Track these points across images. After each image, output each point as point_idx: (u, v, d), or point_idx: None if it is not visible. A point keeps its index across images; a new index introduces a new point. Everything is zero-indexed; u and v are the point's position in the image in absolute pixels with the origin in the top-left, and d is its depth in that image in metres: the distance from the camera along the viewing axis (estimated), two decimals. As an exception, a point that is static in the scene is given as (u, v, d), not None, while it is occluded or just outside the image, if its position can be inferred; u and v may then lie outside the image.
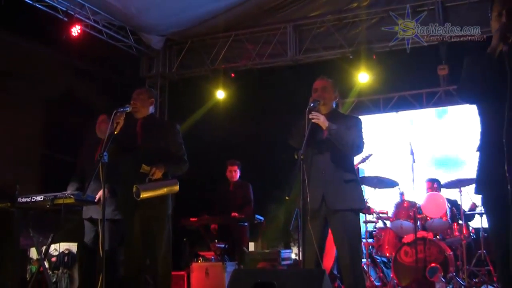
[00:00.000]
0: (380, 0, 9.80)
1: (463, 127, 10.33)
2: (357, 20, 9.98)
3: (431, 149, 10.74)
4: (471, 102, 4.02)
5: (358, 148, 5.43)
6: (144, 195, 5.37)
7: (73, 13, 9.29)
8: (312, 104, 5.27)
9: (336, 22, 10.14)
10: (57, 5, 9.13)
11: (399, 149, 9.32)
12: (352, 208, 5.38)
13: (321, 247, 5.35)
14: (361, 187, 5.74)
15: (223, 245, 8.60)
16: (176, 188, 5.71)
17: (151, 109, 5.98)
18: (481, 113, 3.96)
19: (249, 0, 9.96)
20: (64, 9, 9.23)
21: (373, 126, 11.02)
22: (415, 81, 10.26)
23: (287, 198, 5.07)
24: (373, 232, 8.77)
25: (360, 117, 8.90)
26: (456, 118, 10.62)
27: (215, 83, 10.65)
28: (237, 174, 9.24)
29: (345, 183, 5.33)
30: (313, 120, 5.12)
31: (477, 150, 3.95)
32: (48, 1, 8.98)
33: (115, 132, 5.40)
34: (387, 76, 9.97)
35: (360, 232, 5.60)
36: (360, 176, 8.84)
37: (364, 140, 5.48)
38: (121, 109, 5.49)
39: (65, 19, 9.24)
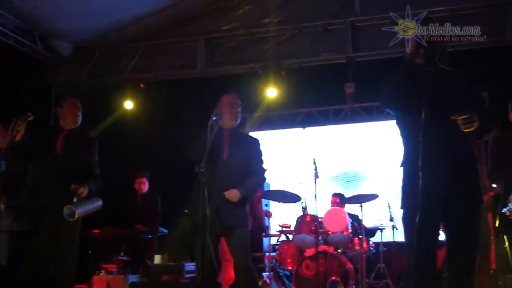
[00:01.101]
0: (291, 17, 9.91)
1: (367, 144, 10.61)
2: (268, 36, 10.05)
3: (335, 164, 10.96)
4: (393, 106, 4.19)
5: (263, 180, 5.83)
6: (78, 216, 5.26)
7: (-25, 15, 9.01)
8: (214, 118, 5.34)
9: (247, 36, 10.20)
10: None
11: (304, 165, 9.44)
12: (244, 225, 5.50)
13: (217, 260, 5.44)
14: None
15: (126, 258, 8.52)
16: (100, 205, 5.62)
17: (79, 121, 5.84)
18: (402, 128, 4.13)
19: (162, 11, 9.92)
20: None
21: (280, 141, 11.16)
22: (323, 98, 10.44)
23: (186, 211, 5.12)
24: (276, 246, 8.85)
25: (268, 132, 9.05)
26: (361, 135, 10.87)
27: (124, 93, 10.54)
28: (145, 186, 9.20)
29: (239, 201, 5.45)
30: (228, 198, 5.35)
31: (401, 166, 4.09)
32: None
33: (16, 139, 5.26)
34: (295, 92, 10.11)
35: (248, 247, 5.68)
36: (264, 190, 8.96)
37: (264, 162, 5.65)
38: (22, 117, 5.37)
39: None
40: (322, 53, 9.66)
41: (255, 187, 5.88)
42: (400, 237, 8.77)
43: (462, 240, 3.91)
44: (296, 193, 8.67)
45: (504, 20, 9.09)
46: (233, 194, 5.39)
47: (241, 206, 5.51)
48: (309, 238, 8.24)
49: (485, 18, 9.08)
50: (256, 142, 5.75)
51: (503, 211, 5.49)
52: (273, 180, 9.72)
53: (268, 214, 8.79)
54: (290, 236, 8.73)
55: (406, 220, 4.07)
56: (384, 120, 10.17)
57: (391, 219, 8.87)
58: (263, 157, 5.73)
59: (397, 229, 8.57)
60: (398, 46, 9.17)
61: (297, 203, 8.76)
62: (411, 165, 3.94)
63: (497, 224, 5.55)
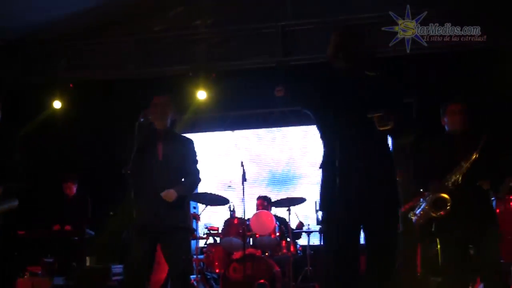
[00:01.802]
0: (223, 19, 9.92)
1: (296, 147, 10.72)
2: (199, 38, 10.04)
3: (264, 168, 11.03)
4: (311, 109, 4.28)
5: (199, 180, 5.84)
6: None
7: None
8: (142, 119, 5.37)
9: (179, 38, 10.15)
10: None
11: (233, 167, 9.47)
12: (182, 226, 5.51)
13: (149, 262, 5.43)
14: (188, 206, 5.89)
15: (51, 260, 8.40)
16: (16, 205, 5.51)
17: None
18: (321, 131, 4.19)
19: (93, 10, 9.77)
20: None
21: (209, 143, 11.16)
22: (252, 101, 10.46)
23: (111, 213, 5.10)
24: (204, 249, 8.85)
25: (197, 134, 9.04)
26: (290, 138, 10.97)
27: (53, 92, 10.35)
28: (73, 189, 9.09)
29: (176, 202, 5.44)
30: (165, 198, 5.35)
31: (320, 168, 4.13)
32: None
33: None
34: (225, 94, 10.11)
35: (190, 249, 5.71)
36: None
37: (198, 162, 5.70)
38: None
39: None
40: (252, 56, 9.70)
41: (192, 186, 5.92)
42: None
43: (380, 244, 3.96)
44: (224, 196, 8.71)
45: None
46: (169, 194, 5.38)
47: (180, 207, 5.52)
48: (236, 241, 8.28)
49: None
50: (190, 142, 5.77)
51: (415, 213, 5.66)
52: (202, 183, 9.71)
53: (196, 217, 8.79)
54: (218, 239, 8.75)
55: (325, 222, 4.16)
56: (313, 124, 10.25)
57: (318, 222, 8.98)
58: (197, 157, 5.76)
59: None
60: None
61: (225, 205, 8.80)
62: (329, 167, 3.98)
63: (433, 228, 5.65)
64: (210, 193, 8.78)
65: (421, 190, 5.99)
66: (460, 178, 5.27)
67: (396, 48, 9.31)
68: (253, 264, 7.97)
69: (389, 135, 3.98)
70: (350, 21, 9.26)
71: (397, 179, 7.73)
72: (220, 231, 8.67)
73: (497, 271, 5.44)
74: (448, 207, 5.19)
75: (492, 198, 7.08)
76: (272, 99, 10.28)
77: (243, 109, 10.93)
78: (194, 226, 8.87)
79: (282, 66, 9.47)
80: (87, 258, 9.04)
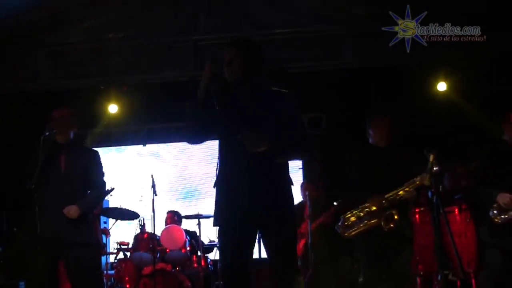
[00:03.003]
0: (136, 33, 9.85)
1: (207, 161, 10.71)
2: (112, 51, 9.94)
3: (174, 182, 10.99)
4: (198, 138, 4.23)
5: (104, 193, 5.87)
6: None
7: None
8: (47, 133, 5.30)
9: (91, 51, 10.02)
10: None
11: (144, 182, 9.40)
12: (85, 243, 5.44)
13: (51, 279, 5.33)
14: (93, 220, 5.78)
15: None
16: None
17: None
18: (219, 148, 4.19)
19: (4, 20, 9.53)
20: None
21: (120, 157, 11.06)
22: (164, 115, 10.43)
23: (15, 229, 5.00)
24: (114, 264, 8.74)
25: (109, 148, 8.92)
26: (202, 152, 10.93)
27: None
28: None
29: (80, 217, 5.37)
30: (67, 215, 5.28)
31: (214, 186, 4.17)
32: None
33: None
34: (137, 108, 10.04)
35: (95, 265, 5.63)
36: (104, 207, 8.85)
37: (104, 174, 5.63)
38: None
39: None
40: (164, 70, 9.68)
41: (96, 201, 5.84)
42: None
43: (280, 257, 4.02)
44: (134, 210, 8.64)
45: (341, 45, 9.49)
46: (72, 211, 5.31)
47: (83, 222, 5.44)
48: (146, 256, 8.24)
49: (322, 43, 9.48)
50: (95, 154, 5.71)
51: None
52: (113, 197, 9.61)
53: (106, 232, 8.68)
54: (128, 254, 8.66)
55: (221, 237, 4.16)
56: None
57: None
58: (103, 169, 5.69)
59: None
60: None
61: (135, 220, 8.73)
62: (224, 185, 4.07)
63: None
64: (121, 208, 8.69)
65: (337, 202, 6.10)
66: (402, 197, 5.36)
67: (306, 65, 9.57)
68: (164, 279, 7.91)
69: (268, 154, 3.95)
70: (262, 37, 9.38)
71: (306, 193, 7.87)
72: (130, 246, 8.58)
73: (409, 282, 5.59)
74: (397, 221, 5.26)
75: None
76: (184, 113, 10.39)
77: (155, 123, 10.87)
78: (104, 241, 8.76)
79: (194, 81, 9.48)
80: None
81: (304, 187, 8.91)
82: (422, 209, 7.25)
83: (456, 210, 7.27)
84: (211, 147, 10.72)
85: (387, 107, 8.81)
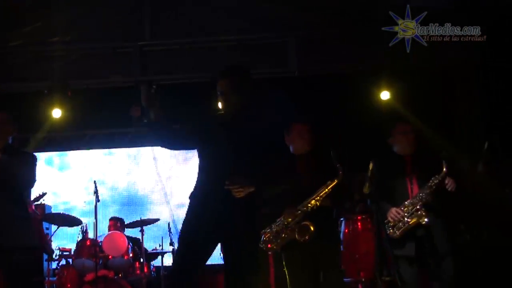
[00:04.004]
0: (81, 37, 9.73)
1: (153, 168, 10.67)
2: (56, 55, 9.79)
3: (119, 188, 10.91)
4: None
5: (29, 183, 5.48)
6: None
7: None
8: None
9: (34, 54, 9.85)
10: None
11: (87, 188, 9.32)
12: (26, 246, 5.35)
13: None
14: (31, 224, 5.65)
15: None
16: None
17: None
18: (199, 163, 4.35)
19: None
20: None
21: (64, 162, 10.94)
22: (109, 120, 10.34)
23: None
24: (56, 270, 8.64)
25: (52, 153, 8.78)
26: (146, 159, 10.92)
27: None
28: None
29: (16, 219, 5.28)
30: None
31: (189, 197, 4.33)
32: None
33: None
34: (81, 113, 9.93)
35: (35, 268, 5.55)
36: (46, 213, 8.76)
37: (36, 178, 5.52)
38: None
39: None
40: (110, 75, 9.59)
41: None
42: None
43: (237, 266, 4.18)
44: (77, 216, 8.56)
45: (286, 53, 9.55)
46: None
47: (24, 225, 5.33)
48: (89, 262, 8.16)
49: (267, 51, 9.54)
50: (29, 156, 5.61)
51: None
52: (55, 203, 9.53)
53: (47, 238, 8.58)
54: (71, 261, 8.56)
55: (182, 244, 4.32)
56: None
57: (171, 243, 8.93)
58: (35, 172, 5.58)
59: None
60: (188, 71, 9.37)
61: (78, 226, 8.65)
62: (197, 198, 4.28)
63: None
64: (63, 214, 8.61)
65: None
66: (314, 206, 5.38)
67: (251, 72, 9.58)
68: (106, 285, 7.88)
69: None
70: (208, 43, 9.41)
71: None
72: (72, 253, 8.48)
73: None
74: (312, 232, 5.27)
75: (341, 219, 7.37)
76: (128, 119, 10.31)
77: (100, 128, 10.77)
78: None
79: (140, 86, 9.42)
80: None
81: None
82: (363, 216, 7.35)
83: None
84: (162, 153, 10.72)
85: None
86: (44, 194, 8.15)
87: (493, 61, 8.69)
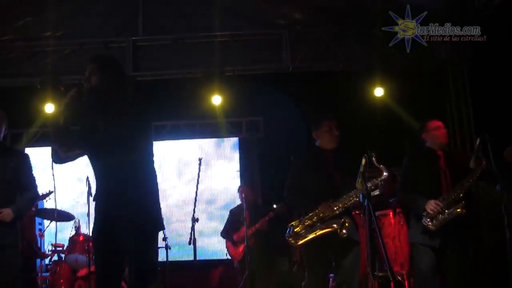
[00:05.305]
0: (73, 32, 9.72)
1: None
2: (48, 50, 9.77)
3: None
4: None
5: (36, 196, 5.71)
6: None
7: None
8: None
9: (26, 49, 9.84)
10: None
11: (80, 183, 9.30)
12: (15, 244, 5.39)
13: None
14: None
15: None
16: None
17: None
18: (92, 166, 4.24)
19: None
20: None
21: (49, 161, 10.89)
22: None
23: None
24: (48, 266, 8.64)
25: (44, 148, 8.73)
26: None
27: None
28: None
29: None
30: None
31: (94, 200, 4.23)
32: None
33: None
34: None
35: (14, 267, 5.55)
36: (38, 208, 8.74)
37: (35, 177, 5.55)
38: None
39: None
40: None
41: (29, 204, 5.75)
42: (174, 256, 9.03)
43: (139, 267, 4.12)
44: (70, 211, 8.56)
45: (279, 49, 9.58)
46: (6, 215, 5.25)
47: (13, 225, 5.37)
48: (81, 258, 8.16)
49: (260, 47, 9.57)
50: (25, 156, 5.62)
51: None
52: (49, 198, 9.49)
53: (40, 234, 8.58)
54: (63, 256, 8.56)
55: (95, 247, 4.28)
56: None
57: (164, 239, 8.93)
58: (33, 172, 5.62)
59: (170, 248, 8.65)
60: (178, 67, 9.36)
61: (71, 221, 8.64)
62: (98, 197, 4.16)
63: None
64: (56, 209, 8.58)
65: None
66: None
67: (244, 68, 9.63)
68: (98, 281, 7.86)
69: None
70: (202, 39, 9.42)
71: (243, 195, 7.93)
72: (65, 248, 8.48)
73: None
74: (348, 227, 5.32)
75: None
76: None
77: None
78: (38, 243, 8.66)
79: (132, 81, 9.43)
80: None
81: (241, 190, 8.99)
82: (357, 212, 7.36)
83: (391, 213, 7.44)
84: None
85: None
86: (50, 192, 8.14)
87: (484, 60, 8.74)
